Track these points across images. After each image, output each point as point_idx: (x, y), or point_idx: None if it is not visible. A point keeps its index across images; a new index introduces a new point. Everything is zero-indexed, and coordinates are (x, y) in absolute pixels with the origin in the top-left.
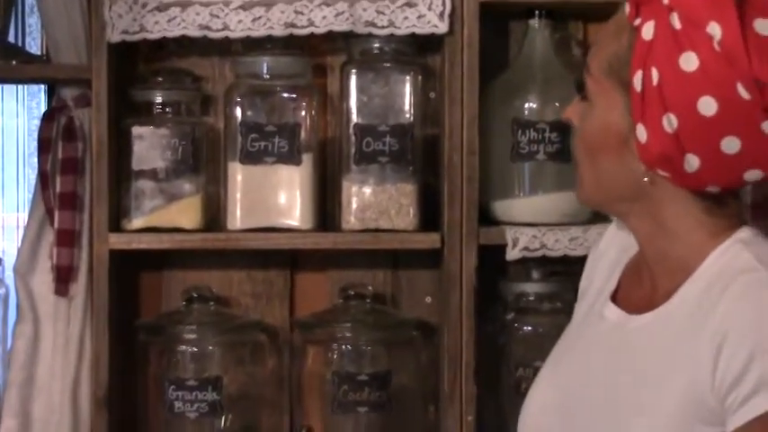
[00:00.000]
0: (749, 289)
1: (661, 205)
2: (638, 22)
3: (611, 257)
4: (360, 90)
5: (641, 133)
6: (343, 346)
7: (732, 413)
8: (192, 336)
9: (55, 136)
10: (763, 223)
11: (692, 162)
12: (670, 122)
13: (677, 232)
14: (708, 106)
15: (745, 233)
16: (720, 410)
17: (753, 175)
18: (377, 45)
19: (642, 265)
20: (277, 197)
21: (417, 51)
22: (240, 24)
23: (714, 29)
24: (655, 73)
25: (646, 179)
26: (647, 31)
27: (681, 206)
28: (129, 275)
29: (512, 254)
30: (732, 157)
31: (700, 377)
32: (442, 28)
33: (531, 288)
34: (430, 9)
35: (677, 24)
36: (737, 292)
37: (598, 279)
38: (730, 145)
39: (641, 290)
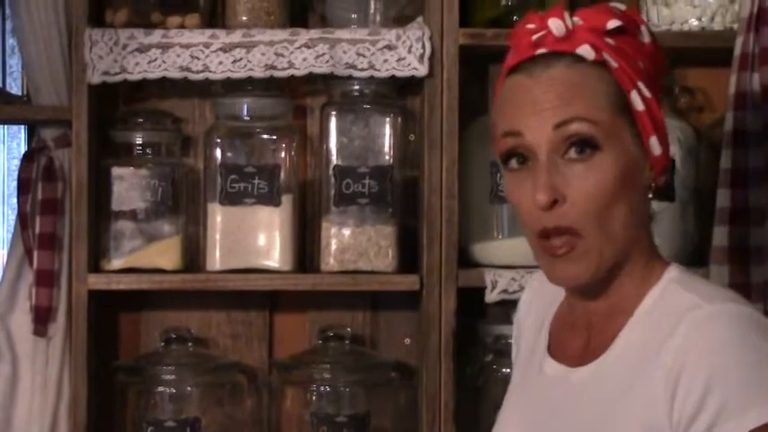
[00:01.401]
0: (698, 326)
1: (640, 243)
2: (593, 56)
3: (535, 316)
4: (340, 132)
5: (655, 146)
6: (322, 388)
7: None
8: (171, 377)
9: (35, 176)
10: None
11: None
12: (663, 109)
13: (632, 270)
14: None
15: (674, 273)
16: None
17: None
18: (357, 87)
19: (576, 316)
20: (256, 238)
21: (397, 94)
22: (221, 66)
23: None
24: (642, 86)
25: (650, 195)
26: (610, 60)
27: (646, 234)
28: (108, 316)
29: (490, 296)
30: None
31: (656, 418)
32: (422, 71)
33: (510, 330)
34: (410, 52)
35: (613, 43)
36: (687, 330)
37: (527, 340)
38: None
39: (577, 340)
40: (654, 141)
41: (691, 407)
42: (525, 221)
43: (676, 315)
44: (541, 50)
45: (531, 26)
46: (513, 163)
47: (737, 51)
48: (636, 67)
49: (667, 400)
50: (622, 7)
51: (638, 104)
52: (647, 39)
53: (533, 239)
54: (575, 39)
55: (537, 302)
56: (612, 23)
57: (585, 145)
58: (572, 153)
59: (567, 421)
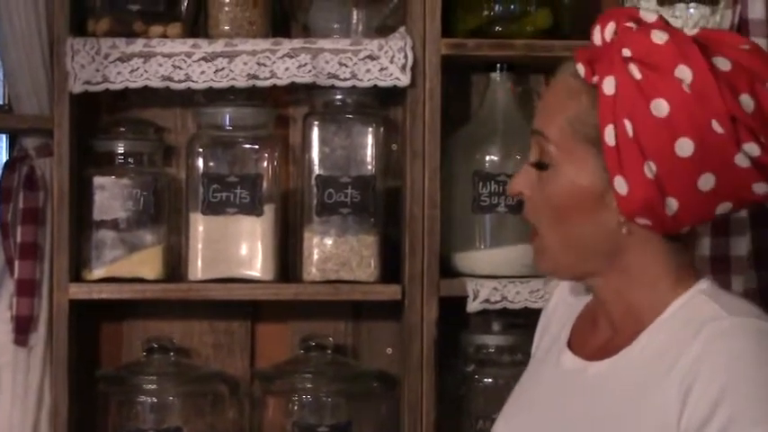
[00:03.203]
0: (718, 336)
1: (630, 257)
2: (595, 79)
3: (564, 310)
4: (322, 141)
5: (621, 186)
6: (304, 398)
7: None
8: (153, 386)
9: (16, 185)
10: (720, 277)
11: (672, 205)
12: (651, 169)
13: (644, 282)
14: (685, 148)
15: (704, 285)
16: None
17: (724, 208)
18: (339, 97)
19: (599, 313)
20: (238, 248)
21: (379, 104)
22: (203, 76)
23: (683, 72)
24: (628, 124)
25: (624, 230)
26: (608, 86)
27: (649, 256)
28: (90, 325)
29: (472, 306)
30: (707, 194)
31: (667, 421)
32: (404, 81)
33: (492, 340)
34: (392, 62)
35: (638, 75)
36: (707, 339)
37: (550, 333)
38: (707, 182)
39: (598, 336)
40: (620, 181)
41: (700, 416)
42: None
43: (698, 323)
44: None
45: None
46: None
47: None
48: (635, 105)
49: (679, 406)
50: (663, 38)
51: (610, 139)
52: (687, 77)
53: None
54: (597, 54)
55: (568, 297)
56: (626, 52)
57: (541, 158)
58: (534, 160)
59: (579, 413)
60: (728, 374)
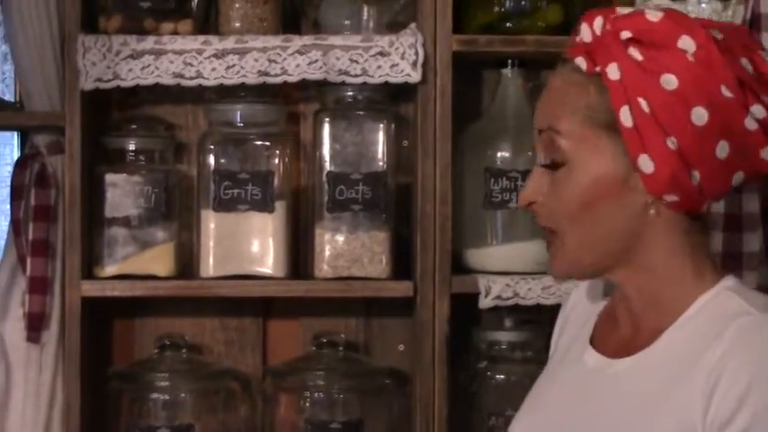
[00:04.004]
0: (746, 331)
1: (655, 246)
2: (598, 69)
3: (583, 309)
4: (333, 138)
5: (646, 164)
6: (316, 394)
7: None
8: (165, 383)
9: (28, 183)
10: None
11: (696, 176)
12: (673, 143)
13: (667, 274)
14: (700, 116)
15: (730, 281)
16: None
17: (738, 178)
18: (350, 93)
19: (620, 310)
20: (250, 245)
21: (390, 100)
22: (214, 72)
23: (685, 42)
24: (643, 102)
25: (652, 211)
26: (613, 71)
27: (675, 241)
28: (102, 323)
29: (484, 302)
30: (724, 162)
31: (691, 418)
32: (415, 77)
33: (504, 337)
34: (403, 58)
35: (639, 56)
36: (734, 335)
37: (571, 329)
38: (723, 149)
39: (619, 333)
40: (644, 160)
41: (726, 411)
42: None
43: (725, 319)
44: (564, 55)
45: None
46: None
47: None
48: (646, 83)
49: (704, 401)
50: (658, 15)
51: (627, 121)
52: (690, 47)
53: None
54: (585, 48)
55: (587, 297)
56: (625, 34)
57: (553, 157)
58: (546, 161)
59: (600, 411)
60: (756, 371)
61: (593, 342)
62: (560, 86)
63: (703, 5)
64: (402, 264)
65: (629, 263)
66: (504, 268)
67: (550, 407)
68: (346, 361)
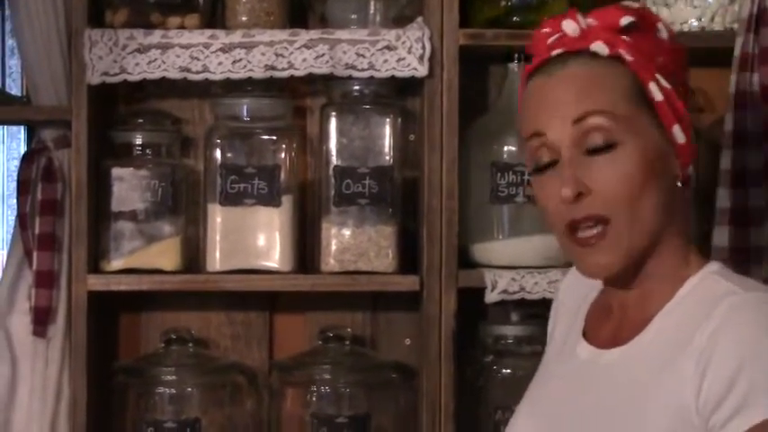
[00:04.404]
0: (734, 310)
1: (673, 229)
2: (608, 52)
3: (573, 303)
4: (339, 132)
5: (678, 134)
6: (322, 389)
7: (717, 431)
8: (171, 377)
9: (34, 177)
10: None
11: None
12: (686, 103)
13: (668, 260)
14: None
15: (715, 266)
16: (704, 429)
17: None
18: (357, 87)
19: (610, 300)
20: (256, 239)
21: (397, 94)
22: (220, 67)
23: (662, 29)
24: (661, 79)
25: (679, 184)
26: (626, 55)
27: (680, 227)
28: (108, 317)
29: (491, 297)
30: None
31: (684, 401)
32: (422, 71)
33: (510, 331)
34: (410, 52)
35: (635, 40)
36: (723, 314)
37: (563, 319)
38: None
39: (609, 324)
40: (677, 130)
41: (719, 389)
42: (553, 220)
43: (713, 300)
44: (557, 51)
45: (546, 30)
46: (542, 166)
47: (737, 52)
48: (654, 61)
49: (697, 381)
50: (635, 5)
51: (657, 95)
52: (664, 35)
53: (563, 235)
54: (589, 37)
55: (576, 289)
56: (625, 20)
57: (606, 138)
58: (594, 146)
59: (593, 401)
60: (746, 346)
61: (587, 333)
62: (585, 74)
63: (710, 0)
64: (408, 258)
65: (654, 249)
66: (511, 263)
67: (548, 401)
68: (353, 355)
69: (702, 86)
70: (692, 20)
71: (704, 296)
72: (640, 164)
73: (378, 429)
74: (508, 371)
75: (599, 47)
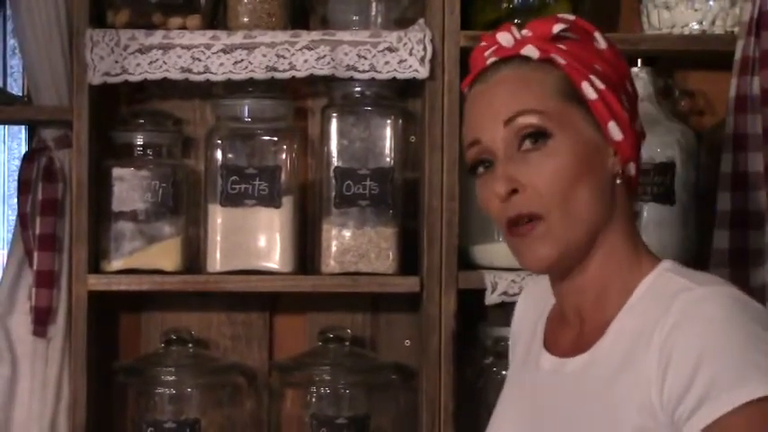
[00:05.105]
0: (690, 304)
1: (615, 228)
2: (538, 54)
3: (531, 316)
4: (340, 133)
5: (615, 132)
6: (322, 389)
7: (682, 425)
8: (171, 378)
9: (35, 177)
10: (738, 270)
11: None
12: (623, 105)
13: (618, 261)
14: (628, 86)
15: (668, 264)
16: (671, 424)
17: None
18: (358, 89)
19: (567, 309)
20: (257, 240)
21: (398, 96)
22: (222, 67)
23: (599, 39)
24: (596, 80)
25: (618, 181)
26: (558, 59)
27: (625, 227)
28: (108, 317)
29: (491, 298)
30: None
31: (649, 399)
32: (423, 73)
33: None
34: (411, 54)
35: (570, 47)
36: (680, 310)
37: (523, 337)
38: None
39: (569, 332)
40: (613, 127)
41: (680, 383)
42: (494, 219)
43: (669, 297)
44: (492, 59)
45: (484, 44)
46: (480, 169)
47: (738, 55)
48: (588, 66)
49: (659, 378)
50: (571, 17)
51: (591, 93)
52: (602, 45)
53: (504, 232)
54: (522, 45)
55: (532, 304)
56: (557, 27)
57: (536, 134)
58: (526, 144)
59: (563, 411)
60: (705, 340)
61: (547, 344)
62: (516, 76)
63: (711, 3)
64: (409, 259)
65: (596, 246)
66: (511, 264)
67: (517, 416)
68: (352, 356)
69: (703, 89)
70: (693, 23)
71: (660, 294)
72: (571, 157)
73: (377, 430)
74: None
75: (529, 50)
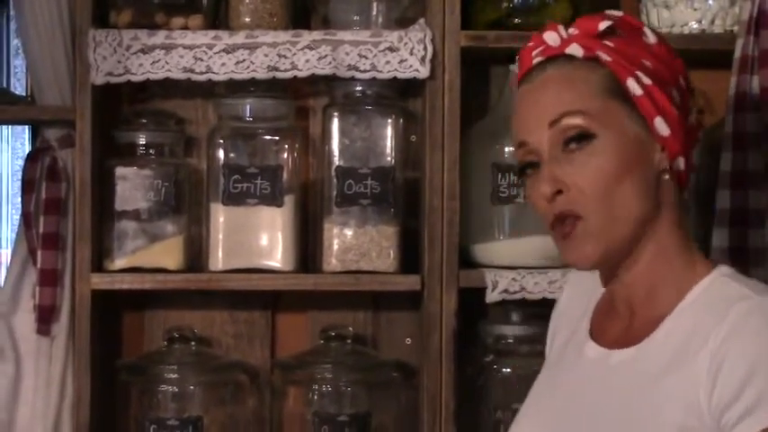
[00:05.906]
0: (747, 314)
1: (663, 225)
2: (582, 53)
3: (578, 304)
4: (342, 133)
5: (662, 127)
6: (324, 387)
7: (728, 431)
8: (174, 376)
9: (39, 176)
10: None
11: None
12: (673, 100)
13: (669, 260)
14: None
15: (725, 269)
16: (716, 429)
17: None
18: (359, 88)
19: (618, 300)
20: (259, 238)
21: (399, 95)
22: (223, 67)
23: (648, 34)
24: (642, 76)
25: (666, 177)
26: (603, 57)
27: (675, 225)
28: (112, 315)
29: (491, 296)
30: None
31: (696, 401)
32: (424, 72)
33: (511, 330)
34: (412, 54)
35: (616, 44)
36: (736, 318)
37: (567, 324)
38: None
39: (617, 324)
40: (659, 122)
41: (730, 392)
42: (542, 218)
43: (726, 303)
44: (538, 59)
45: (531, 44)
46: (529, 171)
47: (737, 54)
48: (636, 62)
49: (709, 383)
50: (618, 14)
51: (636, 90)
52: (652, 40)
53: (551, 231)
54: (568, 44)
55: (577, 296)
56: (603, 25)
57: (581, 136)
58: (571, 145)
59: (603, 401)
60: (758, 352)
61: (593, 333)
62: (561, 76)
63: (710, 2)
64: (410, 258)
65: (644, 241)
66: (511, 263)
67: (556, 401)
68: (354, 354)
69: (703, 88)
70: (693, 22)
71: (717, 299)
72: (616, 155)
73: (379, 428)
74: (508, 370)
75: (574, 49)
